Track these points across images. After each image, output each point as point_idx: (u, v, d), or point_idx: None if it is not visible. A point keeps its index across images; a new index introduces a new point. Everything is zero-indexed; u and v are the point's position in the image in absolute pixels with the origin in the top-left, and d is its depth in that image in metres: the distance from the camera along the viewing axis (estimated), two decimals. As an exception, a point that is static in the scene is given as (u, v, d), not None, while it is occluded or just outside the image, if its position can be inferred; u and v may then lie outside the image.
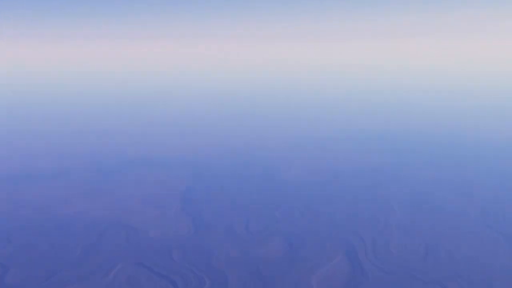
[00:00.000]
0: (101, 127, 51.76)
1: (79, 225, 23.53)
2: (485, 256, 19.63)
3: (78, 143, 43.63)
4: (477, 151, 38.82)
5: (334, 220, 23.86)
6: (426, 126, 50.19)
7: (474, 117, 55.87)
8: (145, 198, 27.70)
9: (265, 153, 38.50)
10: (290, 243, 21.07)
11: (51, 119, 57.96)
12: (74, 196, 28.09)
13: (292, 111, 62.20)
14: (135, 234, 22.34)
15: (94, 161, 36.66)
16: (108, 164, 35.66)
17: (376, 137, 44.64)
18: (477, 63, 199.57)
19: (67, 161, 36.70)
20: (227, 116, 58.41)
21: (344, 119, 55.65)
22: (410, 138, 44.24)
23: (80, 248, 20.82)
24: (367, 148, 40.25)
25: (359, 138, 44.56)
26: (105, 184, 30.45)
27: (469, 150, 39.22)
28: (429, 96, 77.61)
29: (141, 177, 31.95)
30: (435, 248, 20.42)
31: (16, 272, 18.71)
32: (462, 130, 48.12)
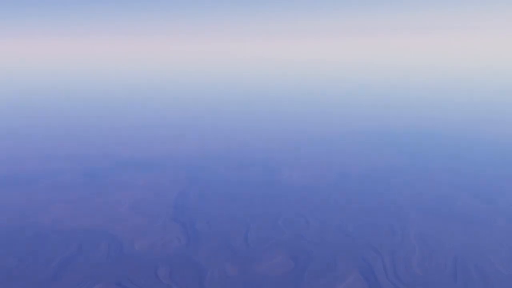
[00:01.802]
0: (92, 127, 48.98)
1: (56, 236, 20.75)
2: (523, 275, 16.86)
3: (67, 143, 40.85)
4: (496, 151, 36.02)
5: (345, 230, 21.06)
6: (436, 124, 47.36)
7: (485, 115, 53.03)
8: (133, 204, 24.92)
9: (265, 155, 35.69)
10: (295, 258, 18.30)
11: (40, 118, 55.19)
12: (55, 202, 25.30)
13: (290, 110, 59.37)
14: (118, 247, 19.58)
15: (82, 163, 33.89)
16: (96, 166, 32.88)
17: (384, 137, 41.83)
18: (473, 59, 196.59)
19: (52, 163, 33.92)
20: (225, 116, 55.63)
21: (348, 117, 52.81)
22: (422, 138, 41.41)
23: (53, 264, 18.04)
24: (375, 148, 37.44)
25: (365, 137, 41.74)
26: (90, 188, 27.67)
27: (487, 150, 36.41)
28: (432, 95, 74.81)
29: (130, 181, 29.17)
30: (464, 265, 17.61)
31: (-26, 295, 15.94)
32: (476, 128, 45.28)
